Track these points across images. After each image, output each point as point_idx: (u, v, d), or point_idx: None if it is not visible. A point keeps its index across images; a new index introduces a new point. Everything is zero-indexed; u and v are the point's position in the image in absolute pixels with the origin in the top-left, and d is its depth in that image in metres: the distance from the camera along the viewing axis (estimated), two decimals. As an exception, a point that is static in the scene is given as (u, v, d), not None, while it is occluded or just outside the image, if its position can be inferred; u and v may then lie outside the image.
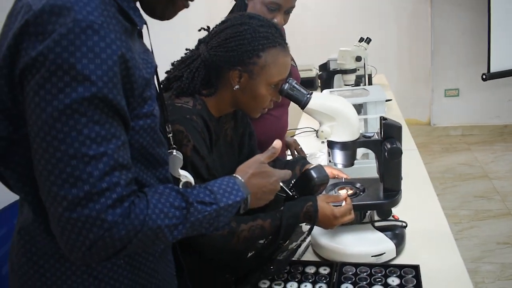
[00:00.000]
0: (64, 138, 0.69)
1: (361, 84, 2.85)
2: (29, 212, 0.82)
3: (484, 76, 3.75)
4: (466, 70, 4.79)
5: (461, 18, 4.74)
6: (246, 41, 1.17)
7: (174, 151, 0.98)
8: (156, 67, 0.88)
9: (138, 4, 0.86)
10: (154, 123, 0.84)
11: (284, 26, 1.66)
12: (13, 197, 0.89)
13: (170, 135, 0.99)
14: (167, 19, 0.90)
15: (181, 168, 0.99)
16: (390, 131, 1.27)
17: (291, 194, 1.23)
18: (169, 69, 1.29)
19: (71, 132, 0.69)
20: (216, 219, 0.88)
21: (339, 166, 1.34)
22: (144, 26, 0.85)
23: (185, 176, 0.98)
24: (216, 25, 1.25)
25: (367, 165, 1.67)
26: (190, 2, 0.89)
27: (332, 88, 2.59)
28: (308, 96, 1.24)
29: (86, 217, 0.70)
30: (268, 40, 1.19)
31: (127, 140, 0.77)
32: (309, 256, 1.38)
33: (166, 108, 1.00)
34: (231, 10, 1.74)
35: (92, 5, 0.70)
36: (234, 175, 0.98)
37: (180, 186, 0.96)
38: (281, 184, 1.16)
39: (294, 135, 2.57)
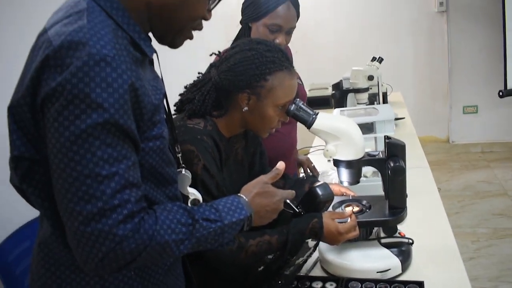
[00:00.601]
0: (80, 159, 0.76)
1: (375, 102, 2.88)
2: (48, 227, 0.90)
3: (501, 93, 3.74)
4: (484, 86, 4.77)
5: (477, 34, 4.74)
6: (253, 65, 1.24)
7: (183, 170, 1.05)
8: (164, 93, 0.95)
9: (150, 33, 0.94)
10: (163, 145, 0.91)
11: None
12: (36, 213, 0.97)
13: (179, 155, 1.06)
14: (176, 47, 0.98)
15: (190, 186, 1.05)
16: (394, 150, 1.32)
17: (297, 211, 1.27)
18: (182, 92, 1.37)
19: (86, 154, 0.76)
20: (220, 236, 0.94)
21: (345, 183, 1.39)
22: (154, 54, 0.93)
23: (193, 193, 1.04)
24: (226, 50, 1.33)
25: (374, 183, 1.71)
26: (198, 30, 0.97)
27: (346, 107, 2.63)
28: (314, 116, 1.30)
29: (99, 231, 0.77)
30: (274, 64, 1.25)
31: (137, 161, 0.84)
32: (317, 272, 1.42)
33: (175, 129, 1.08)
34: (237, 34, 1.83)
35: (105, 39, 0.79)
36: (238, 194, 1.04)
37: (189, 203, 1.02)
38: (288, 201, 1.22)
39: (307, 154, 2.61)
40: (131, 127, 0.81)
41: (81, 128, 0.76)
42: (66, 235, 0.82)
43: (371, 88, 2.62)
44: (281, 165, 1.14)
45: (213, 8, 0.97)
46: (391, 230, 1.37)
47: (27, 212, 1.67)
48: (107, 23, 0.83)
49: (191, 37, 0.98)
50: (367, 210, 1.39)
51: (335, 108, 2.69)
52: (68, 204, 0.78)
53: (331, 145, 1.30)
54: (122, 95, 0.78)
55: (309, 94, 3.79)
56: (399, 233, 1.40)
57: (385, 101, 3.11)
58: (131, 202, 0.80)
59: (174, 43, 0.96)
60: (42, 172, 0.84)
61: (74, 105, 0.75)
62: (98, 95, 0.76)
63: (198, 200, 1.04)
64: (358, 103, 2.59)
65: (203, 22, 0.97)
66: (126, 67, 0.79)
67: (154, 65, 0.99)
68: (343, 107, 2.60)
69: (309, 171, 2.14)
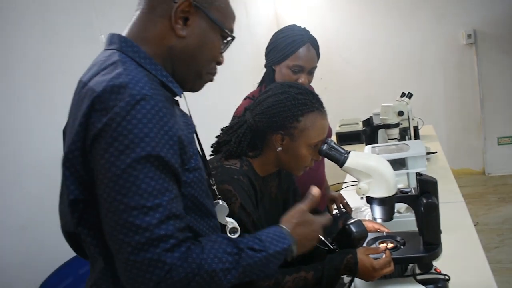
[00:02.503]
0: (126, 193, 0.83)
1: (406, 137, 2.89)
2: (101, 266, 0.94)
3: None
4: (519, 117, 4.71)
5: (507, 64, 4.72)
6: (286, 108, 1.31)
7: (220, 200, 1.10)
8: (195, 127, 1.02)
9: None
10: (201, 176, 0.98)
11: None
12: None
13: (214, 187, 1.12)
14: (196, 91, 1.07)
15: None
16: (426, 186, 1.34)
17: (332, 247, 1.30)
18: (219, 134, 1.44)
19: (131, 187, 0.83)
20: (266, 266, 0.98)
21: (379, 220, 1.41)
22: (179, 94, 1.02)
23: (232, 222, 1.10)
24: (259, 94, 1.40)
25: (408, 219, 1.71)
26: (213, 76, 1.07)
27: (376, 143, 2.66)
28: (346, 155, 1.34)
29: (149, 260, 0.82)
30: (306, 106, 1.32)
31: (179, 194, 0.90)
32: (353, 308, 1.43)
33: (208, 163, 1.14)
34: (262, 77, 1.94)
35: (142, 81, 0.87)
36: (280, 225, 1.08)
37: (227, 232, 1.07)
38: (322, 238, 1.25)
39: (340, 189, 2.63)
40: (172, 160, 0.87)
41: (126, 162, 0.82)
42: (117, 278, 0.87)
43: (401, 124, 2.64)
44: (315, 190, 1.18)
45: (223, 51, 1.06)
46: (426, 266, 1.37)
47: (69, 250, 1.77)
48: (140, 69, 0.92)
49: (211, 80, 1.07)
50: (402, 247, 1.40)
51: (366, 144, 2.72)
52: (117, 236, 0.83)
53: (363, 183, 1.34)
54: (162, 127, 0.85)
55: (339, 129, 3.84)
56: (435, 270, 1.40)
57: (416, 135, 3.11)
58: (176, 232, 0.86)
59: (194, 87, 1.06)
60: (96, 213, 0.91)
61: (119, 141, 0.82)
62: (140, 130, 0.83)
63: (237, 229, 1.09)
64: (389, 139, 2.61)
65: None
66: (162, 105, 0.87)
67: (181, 104, 1.07)
68: (374, 143, 2.63)
69: (342, 207, 2.16)
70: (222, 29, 1.01)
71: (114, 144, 0.82)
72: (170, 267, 0.84)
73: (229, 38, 1.04)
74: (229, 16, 1.04)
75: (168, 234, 0.84)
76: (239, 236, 1.06)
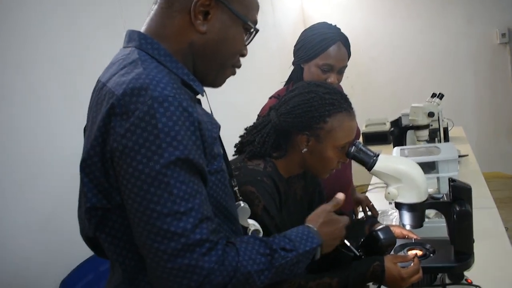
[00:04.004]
0: (158, 200, 0.79)
1: (436, 138, 2.81)
2: (119, 273, 0.92)
3: None
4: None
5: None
6: (313, 108, 1.26)
7: (242, 202, 1.07)
8: (219, 126, 0.98)
9: None
10: (224, 178, 0.94)
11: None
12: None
13: (236, 188, 1.09)
14: (217, 87, 1.02)
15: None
16: (459, 193, 1.27)
17: (358, 254, 1.25)
18: (242, 134, 1.40)
19: (163, 194, 0.79)
20: (296, 265, 0.96)
21: (408, 227, 1.35)
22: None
23: (254, 224, 1.07)
24: (285, 93, 1.36)
25: (437, 225, 1.65)
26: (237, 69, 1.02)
27: (405, 144, 2.58)
28: (375, 158, 1.28)
29: (187, 266, 0.80)
30: (333, 106, 1.27)
31: (206, 194, 0.87)
32: (379, 317, 1.37)
33: (230, 164, 1.10)
34: (290, 75, 1.88)
35: (163, 81, 0.83)
36: (306, 224, 1.06)
37: (249, 234, 1.04)
38: (348, 243, 1.20)
39: (366, 191, 2.57)
40: (200, 161, 0.84)
41: (155, 169, 0.79)
42: (136, 283, 0.85)
43: (431, 125, 2.56)
44: (340, 195, 1.16)
45: (248, 43, 1.01)
46: (457, 276, 1.31)
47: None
48: (160, 68, 0.88)
49: (234, 73, 1.02)
50: (431, 255, 1.35)
51: (394, 145, 2.65)
52: (152, 245, 0.80)
53: (392, 187, 1.28)
54: (188, 127, 0.82)
55: (365, 129, 3.77)
56: (466, 280, 1.34)
57: (446, 137, 3.02)
58: (211, 235, 0.83)
59: (216, 82, 1.01)
60: (115, 219, 0.88)
61: (146, 148, 0.79)
62: (166, 134, 0.79)
63: (259, 231, 1.07)
64: (418, 140, 2.54)
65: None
66: (187, 104, 0.83)
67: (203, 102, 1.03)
68: (402, 144, 2.56)
69: (367, 210, 2.10)
70: (245, 22, 0.96)
71: (141, 151, 0.79)
72: (207, 272, 0.81)
73: (253, 30, 0.99)
74: (252, 7, 0.99)
75: (204, 238, 0.82)
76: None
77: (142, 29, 0.95)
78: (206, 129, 0.87)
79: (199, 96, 0.99)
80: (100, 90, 0.89)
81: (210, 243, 0.82)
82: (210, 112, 1.00)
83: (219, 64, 0.98)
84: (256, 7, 1.00)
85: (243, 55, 1.01)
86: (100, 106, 0.86)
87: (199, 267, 0.80)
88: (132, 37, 0.94)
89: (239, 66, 1.02)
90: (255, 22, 0.99)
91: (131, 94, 0.81)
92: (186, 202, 0.81)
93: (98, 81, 0.94)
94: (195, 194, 0.82)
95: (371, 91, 4.97)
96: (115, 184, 0.85)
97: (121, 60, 0.90)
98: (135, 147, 0.79)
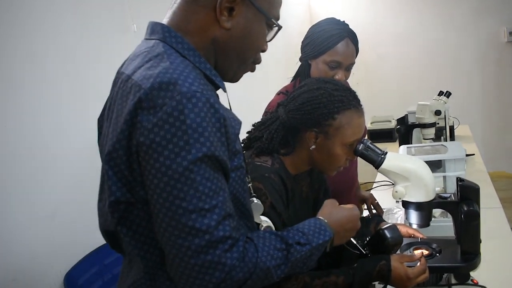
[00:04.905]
0: (184, 196, 0.80)
1: (442, 137, 2.79)
2: (140, 267, 0.91)
3: None
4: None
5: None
6: (322, 104, 1.25)
7: (255, 199, 1.07)
8: (241, 123, 0.97)
9: None
10: (243, 175, 0.94)
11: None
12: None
13: (250, 184, 1.08)
14: (236, 82, 1.02)
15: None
16: (467, 193, 1.27)
17: (364, 252, 1.25)
18: (250, 130, 1.40)
19: (189, 190, 0.80)
20: (309, 259, 0.98)
21: (414, 226, 1.35)
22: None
23: (266, 221, 1.08)
24: (294, 89, 1.35)
25: (443, 224, 1.64)
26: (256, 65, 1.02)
27: (411, 142, 2.57)
28: (382, 156, 1.28)
29: (210, 262, 0.81)
30: (342, 103, 1.26)
31: (228, 191, 0.87)
32: (384, 316, 1.37)
33: (245, 159, 1.10)
34: (297, 71, 1.86)
35: (191, 76, 0.83)
36: (318, 217, 1.07)
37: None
38: (354, 241, 1.20)
39: (370, 189, 2.56)
40: (224, 157, 0.84)
41: (183, 165, 0.79)
42: (156, 278, 0.86)
43: (438, 123, 2.55)
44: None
45: (271, 40, 1.01)
46: (463, 277, 1.31)
47: (95, 240, 1.77)
48: (186, 63, 0.87)
49: (253, 70, 1.02)
50: (437, 254, 1.34)
51: (400, 143, 2.64)
52: (176, 241, 0.81)
53: (400, 186, 1.27)
54: (214, 124, 0.82)
55: (371, 126, 3.75)
56: (472, 280, 1.33)
57: (452, 135, 3.01)
58: (233, 232, 0.84)
59: (236, 77, 1.01)
60: (137, 214, 0.88)
61: (173, 143, 0.79)
62: (195, 130, 0.79)
63: (271, 227, 1.07)
64: (424, 139, 2.53)
65: (263, 57, 1.02)
66: (214, 100, 0.83)
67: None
68: (408, 142, 2.55)
69: (372, 208, 2.09)
70: (268, 18, 0.96)
71: (169, 147, 0.79)
72: (229, 268, 0.82)
73: (275, 26, 0.98)
74: (276, 3, 0.99)
75: (226, 235, 0.82)
76: None
77: (165, 21, 0.94)
78: (230, 126, 0.87)
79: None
80: (125, 82, 0.89)
81: (232, 240, 0.83)
82: (229, 107, 1.00)
83: (240, 60, 0.98)
84: (279, 3, 1.00)
85: (264, 50, 1.01)
86: (126, 98, 0.86)
87: (221, 263, 0.81)
88: (155, 29, 0.94)
89: (259, 62, 1.02)
90: (278, 18, 0.99)
91: (159, 88, 0.80)
92: (211, 199, 0.81)
93: (121, 72, 0.93)
94: (219, 191, 0.83)
95: (377, 88, 4.95)
96: (139, 178, 0.84)
97: (146, 53, 0.90)
98: (162, 142, 0.79)
